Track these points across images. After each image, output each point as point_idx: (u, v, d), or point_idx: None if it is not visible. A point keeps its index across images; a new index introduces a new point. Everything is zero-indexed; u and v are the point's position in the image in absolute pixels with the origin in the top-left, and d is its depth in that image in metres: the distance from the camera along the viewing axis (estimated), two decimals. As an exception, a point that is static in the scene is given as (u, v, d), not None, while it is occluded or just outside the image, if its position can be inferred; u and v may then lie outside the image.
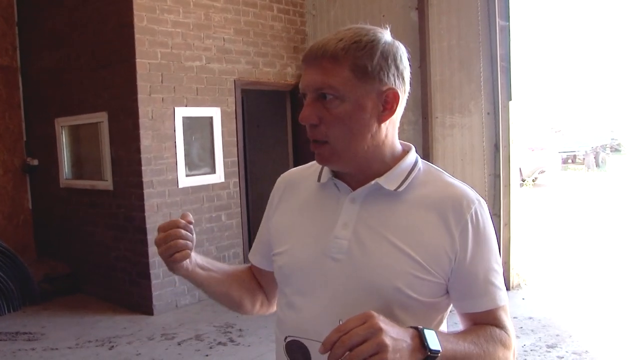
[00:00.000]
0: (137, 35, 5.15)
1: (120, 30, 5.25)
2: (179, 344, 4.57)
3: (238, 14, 6.09)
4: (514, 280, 5.57)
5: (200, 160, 5.90)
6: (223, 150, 5.97)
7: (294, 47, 6.70)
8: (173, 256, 1.19)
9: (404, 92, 1.20)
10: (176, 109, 5.51)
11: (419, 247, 1.14)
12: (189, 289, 5.55)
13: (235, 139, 6.13)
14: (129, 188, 5.39)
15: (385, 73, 1.14)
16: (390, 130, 1.21)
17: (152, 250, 5.22)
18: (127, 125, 5.31)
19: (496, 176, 5.49)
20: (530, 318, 4.80)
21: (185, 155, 5.62)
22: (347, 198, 1.21)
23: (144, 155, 5.25)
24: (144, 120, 5.24)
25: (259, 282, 1.45)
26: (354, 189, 1.21)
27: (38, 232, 6.70)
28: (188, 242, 1.20)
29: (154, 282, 5.31)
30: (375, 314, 0.97)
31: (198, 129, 5.84)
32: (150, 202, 5.32)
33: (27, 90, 6.58)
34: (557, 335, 4.40)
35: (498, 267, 1.20)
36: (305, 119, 1.15)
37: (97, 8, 5.50)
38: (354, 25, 1.19)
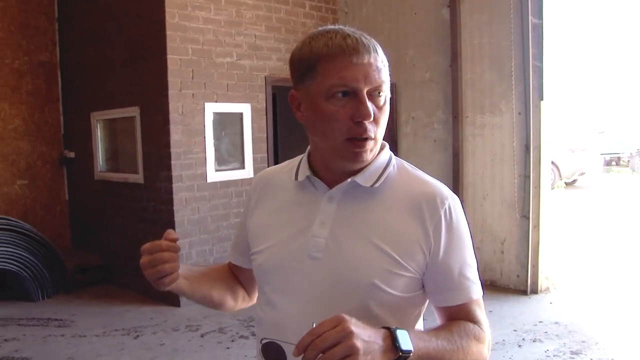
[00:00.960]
0: (168, 32, 5.24)
1: (152, 27, 5.36)
2: (202, 335, 4.64)
3: (270, 10, 6.13)
4: (542, 283, 5.46)
5: (230, 155, 5.97)
6: (253, 146, 6.03)
7: (326, 45, 6.70)
8: (161, 280, 1.18)
9: None
10: (206, 104, 5.59)
11: (394, 243, 1.16)
12: (216, 283, 5.62)
13: (265, 135, 6.18)
14: (159, 182, 5.50)
15: (389, 74, 1.19)
16: None
17: (180, 242, 5.30)
18: (158, 120, 5.42)
19: (526, 177, 5.39)
20: (557, 323, 4.70)
21: (215, 151, 5.70)
22: (324, 197, 1.22)
23: (173, 150, 5.35)
24: (174, 116, 5.33)
25: (239, 279, 1.46)
26: (330, 187, 1.22)
27: (73, 223, 6.90)
28: (174, 264, 1.19)
29: (181, 274, 5.39)
30: (347, 317, 0.98)
31: (228, 124, 5.91)
32: (179, 196, 5.42)
33: (65, 84, 6.79)
34: (583, 342, 4.29)
35: (472, 261, 1.22)
36: (370, 116, 1.12)
37: (130, 5, 5.63)
38: (340, 26, 1.19)
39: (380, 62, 1.14)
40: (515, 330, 4.56)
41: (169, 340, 4.56)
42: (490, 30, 5.55)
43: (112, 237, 6.22)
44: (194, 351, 4.34)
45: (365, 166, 1.20)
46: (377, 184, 1.20)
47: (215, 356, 4.24)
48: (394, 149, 6.33)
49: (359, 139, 1.14)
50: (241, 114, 5.92)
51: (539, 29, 5.27)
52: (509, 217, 5.55)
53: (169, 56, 5.27)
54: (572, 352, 4.11)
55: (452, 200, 1.21)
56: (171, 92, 5.31)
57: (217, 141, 5.75)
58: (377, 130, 1.16)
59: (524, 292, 5.43)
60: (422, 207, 1.18)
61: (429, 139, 6.16)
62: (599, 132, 21.66)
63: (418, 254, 1.16)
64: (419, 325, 1.27)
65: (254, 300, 1.46)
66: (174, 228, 5.36)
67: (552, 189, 12.40)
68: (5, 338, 4.64)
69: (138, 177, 5.75)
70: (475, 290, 1.20)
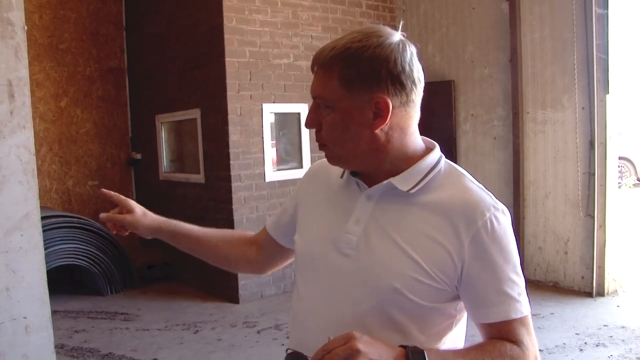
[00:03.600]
0: (226, 36, 5.38)
1: (211, 32, 5.52)
2: (258, 332, 4.74)
3: (326, 11, 6.18)
4: (609, 286, 5.22)
5: (288, 155, 6.07)
6: (310, 146, 6.09)
7: (383, 43, 6.68)
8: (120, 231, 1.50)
9: (405, 96, 1.15)
10: (264, 105, 5.70)
11: (423, 251, 1.13)
12: (274, 280, 5.73)
13: (323, 135, 6.22)
14: (218, 181, 5.66)
15: (376, 80, 1.12)
16: (396, 134, 1.17)
17: (238, 241, 5.43)
18: (217, 121, 5.57)
19: (591, 175, 5.17)
20: (623, 327, 4.48)
21: (273, 150, 5.80)
22: (362, 194, 1.23)
23: (232, 150, 5.49)
24: (232, 117, 5.47)
25: (264, 249, 1.54)
26: (370, 187, 1.23)
27: (141, 222, 7.19)
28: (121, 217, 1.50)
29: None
30: (358, 334, 1.00)
31: (286, 124, 6.01)
32: (238, 195, 5.55)
33: (132, 89, 7.11)
34: (652, 347, 4.08)
35: (517, 277, 1.15)
36: (307, 125, 1.22)
37: (191, 12, 5.82)
38: (362, 28, 1.18)
39: (329, 74, 1.14)
40: (577, 334, 4.39)
41: (226, 335, 4.69)
42: (552, 23, 5.36)
43: (176, 236, 6.43)
44: (250, 347, 4.45)
45: (405, 169, 1.19)
46: (414, 190, 1.17)
47: (270, 352, 4.32)
48: (453, 147, 6.25)
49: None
50: (299, 114, 5.99)
51: (603, 20, 5.05)
52: (573, 216, 5.34)
53: (227, 59, 5.41)
54: (639, 359, 3.91)
55: (495, 212, 1.14)
56: (229, 93, 5.45)
57: (275, 141, 5.85)
58: (327, 138, 1.18)
59: (589, 295, 5.21)
60: (459, 217, 1.13)
61: (488, 136, 6.02)
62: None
63: (448, 265, 1.12)
64: (455, 338, 1.23)
65: (265, 272, 1.60)
66: (233, 226, 5.50)
67: (626, 187, 11.80)
68: (76, 329, 4.92)
69: (199, 177, 5.94)
70: (518, 308, 1.13)
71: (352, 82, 1.12)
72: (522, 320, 1.13)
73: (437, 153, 1.22)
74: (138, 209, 1.50)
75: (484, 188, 1.19)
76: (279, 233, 1.47)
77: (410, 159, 1.19)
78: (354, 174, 1.26)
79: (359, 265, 1.17)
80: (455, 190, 1.17)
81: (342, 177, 1.30)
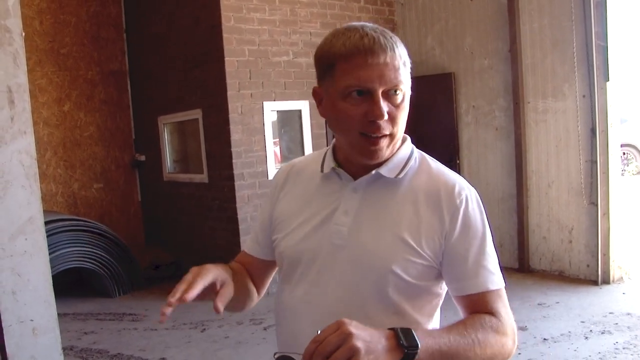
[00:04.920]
0: (225, 35, 5.41)
1: (210, 32, 5.54)
2: (264, 329, 4.77)
3: (324, 7, 6.19)
4: (614, 273, 5.21)
5: (290, 152, 6.09)
6: (312, 143, 6.11)
7: (382, 38, 6.68)
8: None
9: None
10: (265, 103, 5.72)
11: (413, 232, 1.19)
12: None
13: (325, 131, 6.23)
14: (222, 180, 5.69)
15: (409, 71, 1.20)
16: None
17: (244, 239, 5.48)
18: (219, 120, 5.60)
19: (593, 162, 5.16)
20: (629, 314, 4.48)
21: (275, 148, 5.83)
22: (349, 187, 1.26)
23: (234, 149, 5.51)
24: (233, 116, 5.50)
25: (250, 274, 1.46)
26: (354, 178, 1.26)
27: (146, 223, 7.26)
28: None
29: (245, 269, 5.56)
30: (347, 320, 1.01)
31: (287, 122, 6.03)
32: (241, 193, 5.58)
33: (134, 91, 7.15)
34: (657, 333, 4.08)
35: (491, 251, 1.22)
36: (384, 115, 1.14)
37: (190, 12, 5.85)
38: (363, 23, 1.20)
39: (398, 61, 1.14)
40: (582, 322, 4.39)
41: (233, 333, 4.73)
42: (550, 12, 5.35)
43: (181, 235, 6.49)
44: (257, 344, 4.48)
45: (389, 158, 1.24)
46: (401, 175, 1.24)
47: (277, 348, 4.35)
48: (455, 139, 6.25)
49: (373, 137, 1.16)
50: (300, 111, 6.01)
51: (602, 6, 5.02)
52: (576, 205, 5.34)
53: (227, 58, 5.44)
54: (644, 344, 3.92)
55: (469, 191, 1.23)
56: (230, 93, 5.47)
57: (277, 139, 5.87)
58: (394, 128, 1.18)
59: (594, 283, 5.21)
60: (441, 197, 1.21)
61: (490, 127, 6.02)
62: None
63: (435, 242, 1.19)
64: (437, 317, 1.28)
65: (261, 295, 1.50)
66: (237, 225, 5.54)
67: (629, 174, 11.75)
68: (85, 331, 4.97)
69: (203, 177, 5.98)
70: (494, 280, 1.19)
71: (407, 69, 1.18)
72: (498, 293, 1.19)
73: (410, 143, 1.30)
74: (215, 275, 1.23)
75: (454, 172, 1.28)
76: (263, 249, 1.43)
77: (393, 149, 1.25)
78: (337, 165, 1.28)
79: (354, 253, 1.20)
80: (433, 175, 1.26)
81: (322, 171, 1.31)
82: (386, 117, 1.14)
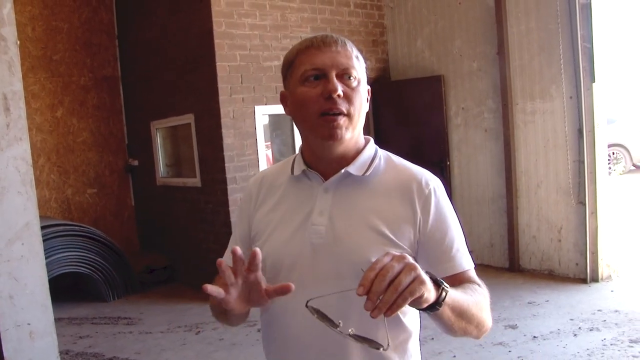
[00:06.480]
0: (216, 40, 5.46)
1: (202, 37, 5.60)
2: (258, 330, 4.81)
3: (314, 12, 6.26)
4: (603, 271, 5.30)
5: (282, 155, 6.14)
6: (304, 146, 6.16)
7: (373, 41, 6.76)
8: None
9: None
10: (256, 107, 5.77)
11: (387, 223, 1.26)
12: (273, 280, 5.80)
13: (316, 134, 6.30)
14: (215, 184, 5.74)
15: (365, 71, 1.33)
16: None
17: (237, 242, 5.51)
18: (211, 125, 5.65)
19: (580, 162, 5.25)
20: (617, 311, 4.56)
21: (267, 151, 5.88)
22: (320, 188, 1.33)
23: (226, 153, 5.56)
24: (225, 120, 5.55)
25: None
26: (325, 177, 1.33)
27: (140, 227, 7.29)
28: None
29: (239, 272, 5.61)
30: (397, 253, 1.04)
31: (279, 125, 6.09)
32: (234, 197, 5.63)
33: (126, 97, 7.18)
34: (644, 329, 4.16)
35: (462, 235, 1.33)
36: (337, 89, 1.24)
37: (182, 18, 5.90)
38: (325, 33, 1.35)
39: (350, 52, 1.28)
40: (571, 320, 4.47)
41: (228, 335, 4.77)
42: (537, 14, 5.44)
43: (176, 239, 6.53)
44: (251, 345, 4.52)
45: (355, 157, 1.32)
46: (368, 173, 1.32)
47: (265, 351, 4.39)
48: (445, 141, 6.33)
49: (331, 114, 1.24)
50: (291, 115, 6.06)
51: (587, 9, 5.12)
52: (565, 204, 5.42)
53: (218, 63, 5.49)
54: (632, 341, 3.99)
55: (436, 182, 1.33)
56: (222, 97, 5.52)
57: (269, 142, 5.93)
58: (350, 107, 1.26)
59: (583, 281, 5.30)
60: (411, 188, 1.30)
61: (479, 129, 6.10)
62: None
63: (409, 231, 1.27)
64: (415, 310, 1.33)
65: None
66: (229, 228, 5.58)
67: (616, 174, 11.86)
68: (80, 335, 5.00)
69: (196, 181, 6.02)
70: (469, 260, 1.31)
71: (360, 64, 1.30)
72: (472, 271, 1.32)
73: (373, 144, 1.40)
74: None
75: (418, 166, 1.38)
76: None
77: (359, 149, 1.35)
78: (307, 165, 1.35)
79: (332, 250, 1.27)
80: (399, 170, 1.35)
81: (292, 173, 1.38)
82: (341, 93, 1.24)
